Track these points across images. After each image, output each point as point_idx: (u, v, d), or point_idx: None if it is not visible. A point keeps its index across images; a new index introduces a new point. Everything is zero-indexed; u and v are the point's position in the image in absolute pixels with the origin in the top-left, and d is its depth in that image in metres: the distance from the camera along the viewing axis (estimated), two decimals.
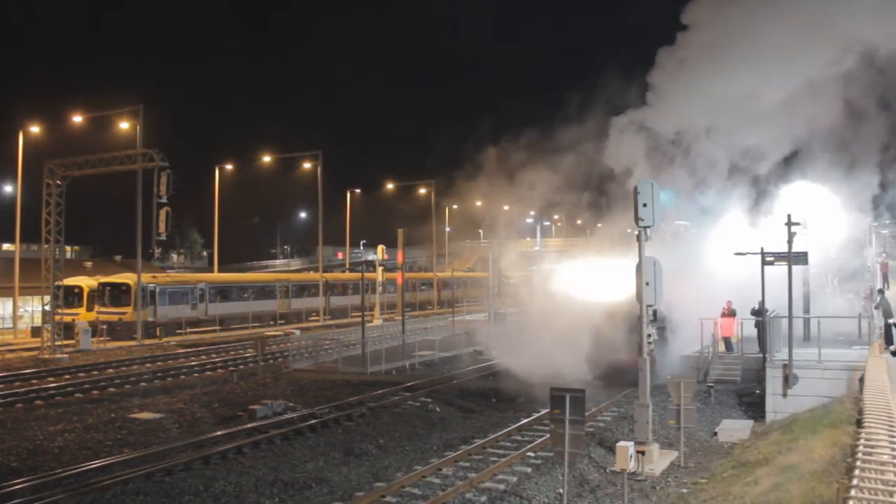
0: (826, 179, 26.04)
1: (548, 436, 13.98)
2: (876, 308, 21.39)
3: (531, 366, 22.13)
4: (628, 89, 22.73)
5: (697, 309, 23.21)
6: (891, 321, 20.33)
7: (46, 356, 32.11)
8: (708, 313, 23.41)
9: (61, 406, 22.05)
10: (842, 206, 26.26)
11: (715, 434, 17.39)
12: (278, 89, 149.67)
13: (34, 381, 26.48)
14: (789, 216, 18.30)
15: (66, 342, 34.44)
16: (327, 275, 60.04)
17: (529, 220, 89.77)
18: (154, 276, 44.03)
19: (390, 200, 68.35)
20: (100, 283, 41.61)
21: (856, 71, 20.17)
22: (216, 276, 52.33)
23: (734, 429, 17.58)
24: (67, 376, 27.72)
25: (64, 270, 35.33)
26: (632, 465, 12.70)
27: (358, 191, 67.65)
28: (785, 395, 18.20)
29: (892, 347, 19.68)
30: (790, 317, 18.58)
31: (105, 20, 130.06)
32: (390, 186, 68.08)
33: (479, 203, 33.74)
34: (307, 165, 58.35)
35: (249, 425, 18.79)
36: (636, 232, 15.66)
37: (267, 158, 58.87)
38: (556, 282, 26.94)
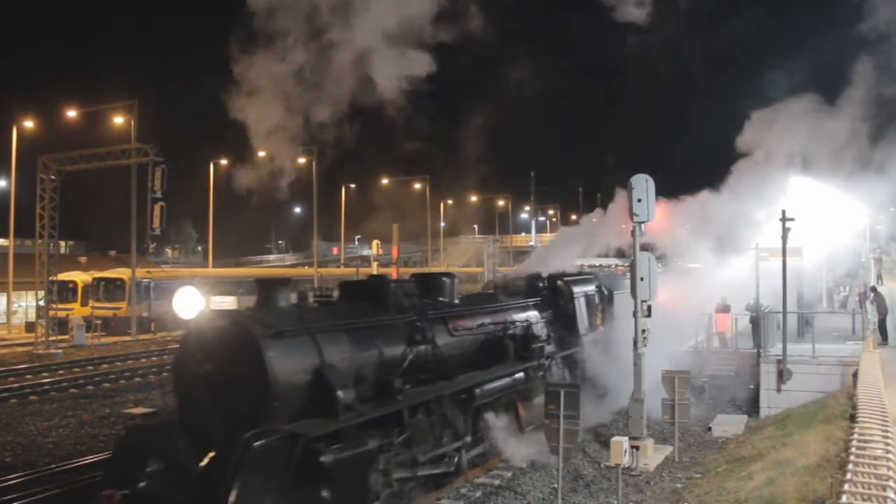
0: (824, 175, 25.94)
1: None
2: (870, 304, 21.47)
3: None
4: None
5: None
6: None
7: (41, 351, 32.00)
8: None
9: (56, 401, 21.96)
10: (838, 203, 26.20)
11: (709, 429, 17.43)
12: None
13: (28, 377, 26.36)
14: (784, 212, 18.34)
15: (60, 337, 34.40)
16: (322, 270, 59.85)
17: (524, 216, 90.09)
18: (149, 271, 43.88)
19: (385, 195, 68.25)
20: (94, 278, 41.52)
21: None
22: (211, 270, 52.17)
23: (728, 424, 17.63)
24: (62, 371, 27.61)
25: (58, 265, 35.23)
26: (626, 460, 12.72)
27: (353, 185, 67.57)
28: (779, 390, 18.26)
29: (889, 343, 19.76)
30: (784, 312, 18.62)
31: (99, 14, 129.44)
32: (385, 181, 68.00)
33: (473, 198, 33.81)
34: (302, 160, 58.23)
35: None
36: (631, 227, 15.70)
37: (262, 153, 58.67)
38: None
